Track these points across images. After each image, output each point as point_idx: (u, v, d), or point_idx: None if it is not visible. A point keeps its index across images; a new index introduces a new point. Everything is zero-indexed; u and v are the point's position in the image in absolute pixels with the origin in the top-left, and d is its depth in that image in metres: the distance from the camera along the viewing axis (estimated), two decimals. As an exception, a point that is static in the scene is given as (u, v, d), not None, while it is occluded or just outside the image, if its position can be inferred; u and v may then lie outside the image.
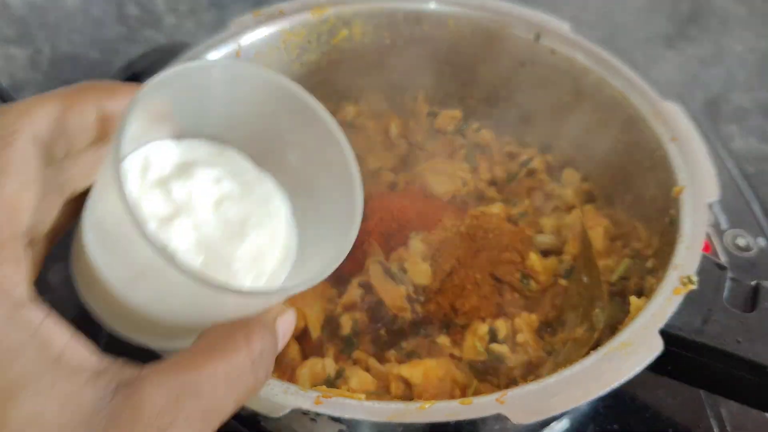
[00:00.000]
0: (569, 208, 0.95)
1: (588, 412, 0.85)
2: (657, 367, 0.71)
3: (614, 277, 0.84)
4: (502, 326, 0.79)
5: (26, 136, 0.42)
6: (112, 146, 0.39)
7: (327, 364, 0.76)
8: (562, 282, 0.85)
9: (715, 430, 0.83)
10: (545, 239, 0.90)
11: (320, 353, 0.80)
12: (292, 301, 0.79)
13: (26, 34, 1.44)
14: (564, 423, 0.84)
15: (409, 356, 0.80)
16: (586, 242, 0.86)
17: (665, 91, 1.12)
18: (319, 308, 0.82)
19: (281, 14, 0.97)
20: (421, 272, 0.83)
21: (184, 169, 0.47)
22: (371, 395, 0.73)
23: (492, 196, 0.98)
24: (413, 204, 0.92)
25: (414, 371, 0.74)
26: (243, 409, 0.74)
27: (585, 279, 0.83)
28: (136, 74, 0.96)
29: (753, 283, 0.73)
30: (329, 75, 1.06)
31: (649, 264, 0.79)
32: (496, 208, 0.92)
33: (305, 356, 0.79)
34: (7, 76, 1.36)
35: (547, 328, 0.83)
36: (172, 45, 1.00)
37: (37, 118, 0.44)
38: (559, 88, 0.97)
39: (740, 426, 0.82)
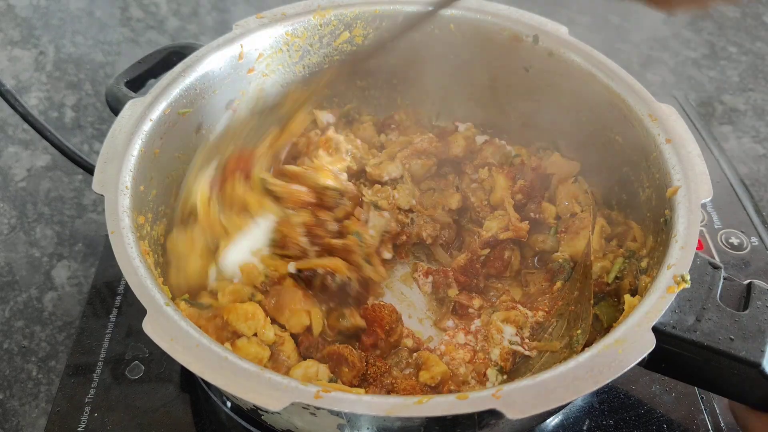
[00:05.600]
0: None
1: (583, 407, 0.86)
2: (651, 364, 0.72)
3: (610, 278, 0.85)
4: None
5: None
6: None
7: (321, 372, 0.77)
8: (558, 284, 0.87)
9: (708, 425, 0.84)
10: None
11: (317, 350, 0.81)
12: (295, 303, 0.80)
13: (31, 36, 1.45)
14: (560, 418, 0.85)
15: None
16: (585, 250, 0.87)
17: (659, 91, 1.13)
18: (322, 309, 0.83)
19: (284, 17, 0.98)
20: None
21: None
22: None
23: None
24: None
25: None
26: (244, 403, 0.76)
27: (576, 291, 0.84)
28: (139, 76, 0.97)
29: (746, 282, 0.74)
30: (330, 77, 1.07)
31: (643, 264, 0.80)
32: None
33: (303, 354, 0.81)
34: (12, 77, 1.37)
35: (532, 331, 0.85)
36: (175, 47, 1.01)
37: None
38: (557, 90, 0.98)
39: (733, 420, 0.83)
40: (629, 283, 0.83)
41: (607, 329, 0.78)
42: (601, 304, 0.83)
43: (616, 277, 0.85)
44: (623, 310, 0.76)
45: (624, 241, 0.89)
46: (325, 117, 1.06)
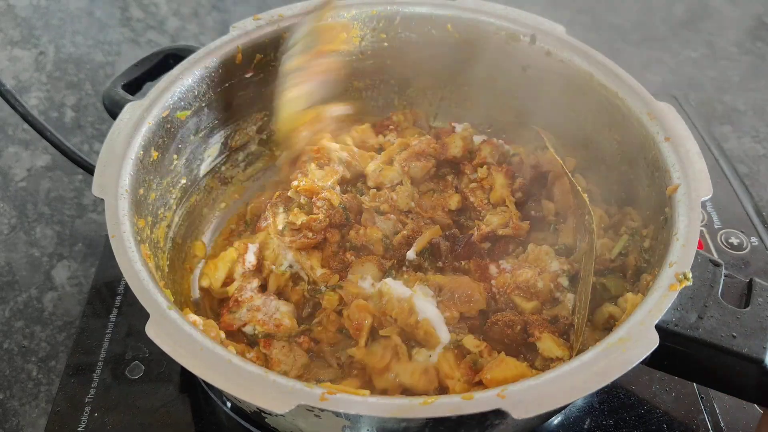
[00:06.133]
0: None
1: (584, 407, 0.86)
2: (653, 361, 0.72)
3: (613, 253, 0.85)
4: None
5: None
6: None
7: None
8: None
9: (708, 425, 0.84)
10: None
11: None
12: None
13: (30, 36, 1.44)
14: (560, 418, 0.85)
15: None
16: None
17: (659, 91, 1.13)
18: None
19: (281, 18, 0.98)
20: None
21: None
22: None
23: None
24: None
25: None
26: (248, 405, 0.76)
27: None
28: (136, 79, 0.97)
29: (747, 279, 0.75)
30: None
31: (647, 244, 0.81)
32: None
33: None
34: (12, 77, 1.37)
35: None
36: (171, 49, 1.00)
37: None
38: (554, 89, 0.98)
39: (733, 420, 0.84)
40: (634, 260, 0.83)
41: (610, 327, 0.78)
42: (608, 276, 0.84)
43: (621, 254, 0.86)
44: (630, 281, 0.76)
45: (624, 221, 0.89)
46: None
